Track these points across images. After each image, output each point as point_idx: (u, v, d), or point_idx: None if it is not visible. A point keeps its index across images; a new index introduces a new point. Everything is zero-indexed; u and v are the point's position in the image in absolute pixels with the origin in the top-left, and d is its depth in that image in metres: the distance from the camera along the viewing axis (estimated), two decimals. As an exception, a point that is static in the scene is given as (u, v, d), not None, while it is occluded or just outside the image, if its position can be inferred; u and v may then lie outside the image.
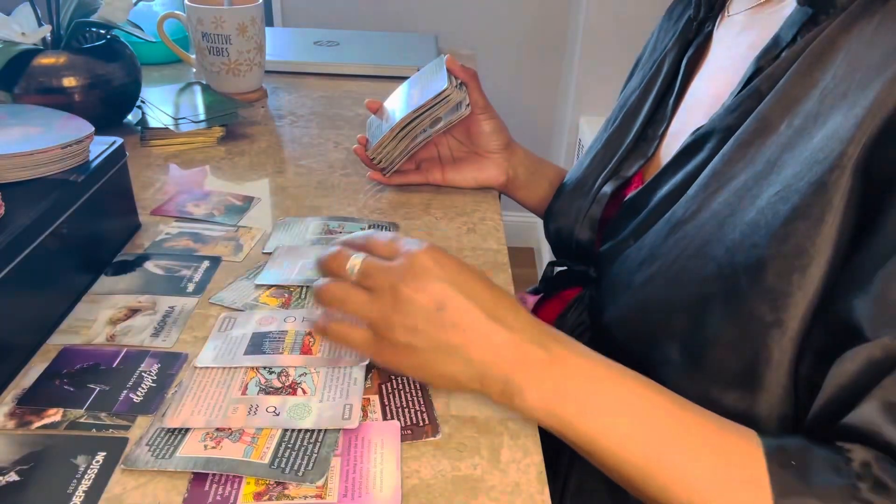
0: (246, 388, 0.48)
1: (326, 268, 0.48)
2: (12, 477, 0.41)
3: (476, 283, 0.45)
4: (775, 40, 0.50)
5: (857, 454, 0.38)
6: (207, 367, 0.50)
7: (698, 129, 0.53)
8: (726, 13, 0.61)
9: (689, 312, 0.46)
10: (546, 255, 2.05)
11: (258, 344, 0.52)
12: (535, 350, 0.44)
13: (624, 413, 0.42)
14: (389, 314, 0.44)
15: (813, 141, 0.43)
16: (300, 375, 0.49)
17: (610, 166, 0.64)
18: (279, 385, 0.48)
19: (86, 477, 0.42)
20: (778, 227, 0.42)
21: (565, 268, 0.70)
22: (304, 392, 0.48)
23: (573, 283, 0.69)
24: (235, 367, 0.50)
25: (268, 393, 0.48)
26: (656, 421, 0.42)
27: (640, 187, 0.56)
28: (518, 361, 0.43)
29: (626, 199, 0.58)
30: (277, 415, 0.46)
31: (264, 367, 0.50)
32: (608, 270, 0.56)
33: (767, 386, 0.43)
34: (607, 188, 0.63)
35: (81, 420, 0.46)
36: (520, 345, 0.44)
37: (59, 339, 0.53)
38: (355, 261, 0.46)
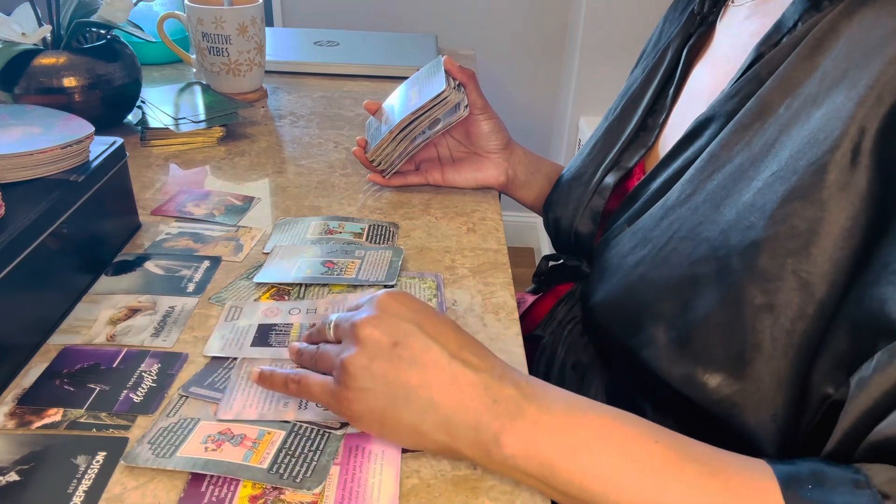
0: None
1: (314, 337, 0.48)
2: (12, 477, 0.41)
3: (440, 324, 0.43)
4: (777, 26, 0.50)
5: (878, 474, 0.34)
6: (252, 361, 0.51)
7: (699, 117, 0.52)
8: (730, 3, 0.60)
9: (678, 293, 0.46)
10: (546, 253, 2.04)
11: (264, 336, 0.53)
12: (507, 388, 0.40)
13: (614, 450, 0.38)
14: (347, 357, 0.42)
15: (811, 121, 0.43)
16: None
17: (611, 157, 0.64)
18: None
19: (86, 477, 0.42)
20: (775, 208, 0.42)
21: (560, 262, 0.70)
22: None
23: (567, 278, 0.68)
24: (280, 363, 0.51)
25: None
26: (651, 458, 0.37)
27: (642, 178, 0.56)
28: (490, 403, 0.39)
29: (629, 191, 0.58)
30: (326, 409, 0.46)
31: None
32: (601, 257, 0.56)
33: (757, 375, 0.42)
34: (609, 179, 0.63)
35: (81, 420, 0.46)
36: (490, 385, 0.40)
37: (59, 339, 0.53)
38: (331, 320, 0.47)
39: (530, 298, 0.74)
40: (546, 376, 0.61)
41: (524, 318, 0.72)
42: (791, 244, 0.41)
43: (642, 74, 0.66)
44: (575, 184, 0.66)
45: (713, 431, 0.45)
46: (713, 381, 0.43)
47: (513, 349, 0.55)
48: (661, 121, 0.62)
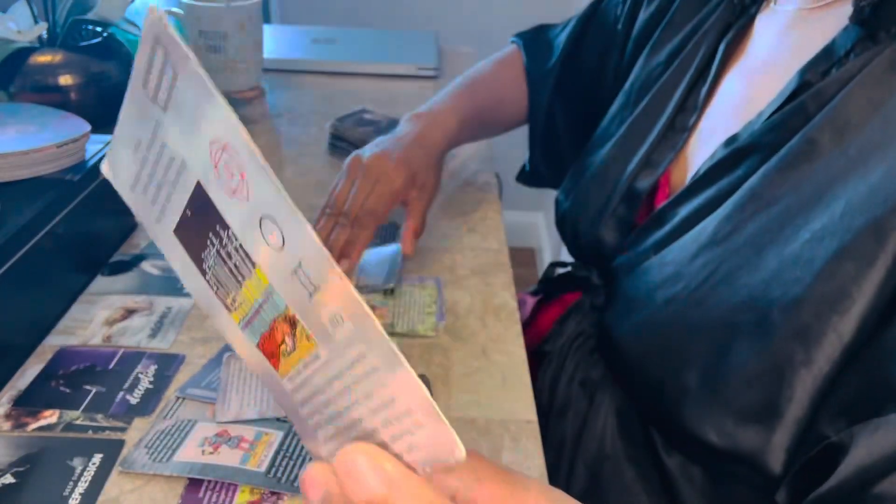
0: None
1: None
2: (8, 479, 0.41)
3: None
4: (826, 53, 0.45)
5: None
6: (238, 358, 0.49)
7: (732, 139, 0.49)
8: (773, 2, 0.54)
9: (713, 339, 0.43)
10: (547, 255, 2.04)
11: None
12: None
13: None
14: None
15: (872, 177, 0.39)
16: None
17: (640, 154, 0.58)
18: None
19: (82, 479, 0.41)
20: (823, 265, 0.39)
21: (568, 269, 0.68)
22: None
23: (574, 286, 0.65)
24: None
25: None
26: None
27: (670, 199, 0.52)
28: None
29: (655, 210, 0.54)
30: None
31: None
32: (623, 282, 0.53)
33: (786, 423, 0.40)
34: (641, 185, 0.57)
35: (78, 422, 0.45)
36: None
37: (55, 340, 0.52)
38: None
39: (531, 300, 0.73)
40: (552, 391, 0.58)
41: (529, 328, 0.69)
42: (839, 305, 0.38)
43: (668, 62, 0.60)
44: (596, 184, 0.60)
45: (728, 463, 0.43)
46: (745, 432, 0.41)
47: (513, 350, 0.54)
48: (690, 123, 0.56)
